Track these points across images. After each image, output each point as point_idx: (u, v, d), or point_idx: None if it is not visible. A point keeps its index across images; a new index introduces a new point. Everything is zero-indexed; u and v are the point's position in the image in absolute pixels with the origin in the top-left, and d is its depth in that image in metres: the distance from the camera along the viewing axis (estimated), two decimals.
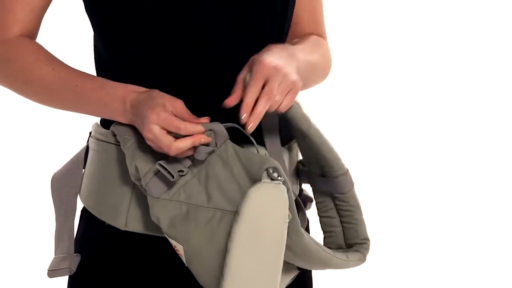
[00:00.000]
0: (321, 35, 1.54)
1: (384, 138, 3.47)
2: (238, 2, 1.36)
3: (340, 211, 1.43)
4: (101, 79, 1.37)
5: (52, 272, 1.41)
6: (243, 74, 1.30)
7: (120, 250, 1.39)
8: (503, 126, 3.53)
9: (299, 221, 1.29)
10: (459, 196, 3.45)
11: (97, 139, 1.41)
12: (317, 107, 3.17)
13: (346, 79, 3.27)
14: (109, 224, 1.39)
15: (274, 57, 1.29)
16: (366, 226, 1.44)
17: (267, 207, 1.23)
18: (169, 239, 1.30)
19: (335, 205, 1.43)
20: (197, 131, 1.26)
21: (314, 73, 1.48)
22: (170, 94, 1.30)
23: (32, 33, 1.42)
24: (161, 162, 1.28)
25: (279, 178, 1.25)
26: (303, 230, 1.29)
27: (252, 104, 1.25)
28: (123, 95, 1.32)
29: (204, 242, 1.27)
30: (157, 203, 1.29)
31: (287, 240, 1.26)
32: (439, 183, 3.47)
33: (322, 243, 1.43)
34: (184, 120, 1.27)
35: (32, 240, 3.06)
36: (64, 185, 1.44)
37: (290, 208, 1.25)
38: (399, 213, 3.39)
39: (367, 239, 1.43)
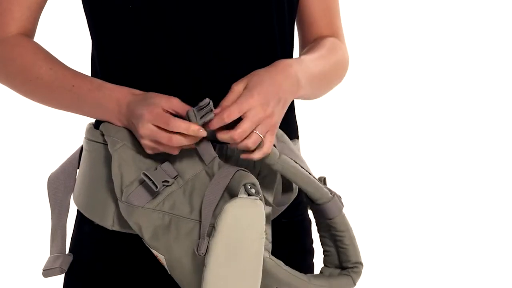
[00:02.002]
0: (336, 36, 1.51)
1: (384, 140, 3.46)
2: (229, 3, 1.34)
3: (333, 234, 1.41)
4: (98, 80, 1.37)
5: (46, 272, 1.43)
6: (237, 88, 1.28)
7: (108, 250, 1.40)
8: (503, 126, 3.52)
9: (267, 243, 1.30)
10: (460, 200, 3.44)
11: (88, 139, 1.42)
12: (318, 108, 3.19)
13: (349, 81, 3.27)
14: (98, 224, 1.39)
15: (263, 93, 1.26)
16: (359, 249, 1.42)
17: (243, 222, 1.24)
18: (151, 249, 1.31)
19: (328, 226, 1.41)
20: (186, 128, 1.25)
21: (318, 87, 1.45)
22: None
23: (30, 31, 1.42)
24: (145, 171, 1.29)
25: (257, 194, 1.25)
26: (266, 255, 1.30)
27: (223, 121, 1.24)
28: (118, 97, 1.33)
29: (185, 253, 1.28)
30: (141, 211, 1.30)
31: None
32: (440, 184, 3.46)
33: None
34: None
35: (31, 239, 3.09)
36: (59, 185, 1.45)
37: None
38: (398, 214, 3.38)
39: (358, 263, 1.41)
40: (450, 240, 3.36)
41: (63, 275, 1.45)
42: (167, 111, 1.27)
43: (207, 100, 1.25)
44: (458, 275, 3.25)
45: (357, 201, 3.13)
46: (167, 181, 1.29)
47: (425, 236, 3.36)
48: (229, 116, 1.24)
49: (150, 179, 1.28)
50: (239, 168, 1.28)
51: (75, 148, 1.48)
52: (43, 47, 1.42)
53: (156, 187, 1.28)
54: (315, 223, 1.45)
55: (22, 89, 1.42)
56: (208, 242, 1.24)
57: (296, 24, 1.52)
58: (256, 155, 1.27)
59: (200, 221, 1.27)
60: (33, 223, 3.08)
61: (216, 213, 1.25)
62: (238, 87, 1.27)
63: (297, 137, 1.49)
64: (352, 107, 3.46)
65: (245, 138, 1.25)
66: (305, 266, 1.49)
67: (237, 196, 1.24)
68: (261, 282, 1.31)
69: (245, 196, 1.25)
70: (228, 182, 1.26)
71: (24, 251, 3.15)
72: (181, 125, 1.25)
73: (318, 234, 1.45)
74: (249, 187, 1.25)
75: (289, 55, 1.45)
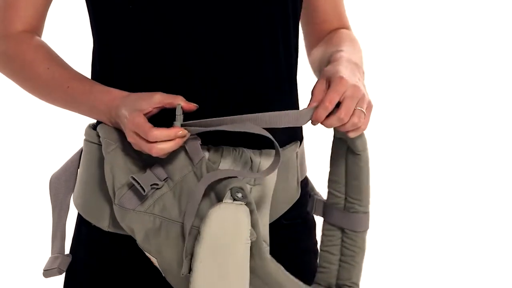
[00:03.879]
0: (347, 27, 1.53)
1: (390, 142, 3.45)
2: (230, 2, 1.33)
3: (344, 249, 1.42)
4: (91, 82, 1.37)
5: (46, 272, 1.43)
6: (321, 86, 1.28)
7: (104, 251, 1.40)
8: (503, 126, 3.51)
9: (265, 246, 1.29)
10: (461, 202, 3.43)
11: (87, 140, 1.41)
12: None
13: None
14: (95, 225, 1.39)
15: (350, 74, 1.29)
16: (362, 269, 1.43)
17: (226, 227, 1.23)
18: (144, 251, 1.31)
19: (342, 242, 1.42)
20: (166, 136, 1.25)
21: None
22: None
23: (35, 28, 1.42)
24: (134, 175, 1.29)
25: (243, 198, 1.24)
26: (268, 256, 1.29)
27: (327, 109, 1.25)
28: (107, 100, 1.33)
29: (175, 256, 1.28)
30: (132, 214, 1.30)
31: (250, 262, 1.26)
32: (444, 186, 3.45)
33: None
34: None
35: (33, 239, 3.09)
36: (60, 185, 1.45)
37: (255, 230, 1.25)
38: (403, 217, 3.37)
39: (356, 284, 1.42)
40: (450, 241, 3.35)
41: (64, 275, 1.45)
42: (150, 111, 1.27)
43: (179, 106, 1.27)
44: (457, 276, 3.24)
45: None
46: (156, 184, 1.29)
47: (430, 239, 3.35)
48: (331, 101, 1.25)
49: (138, 183, 1.28)
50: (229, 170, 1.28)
51: (77, 148, 1.48)
52: (48, 44, 1.41)
53: (144, 190, 1.28)
54: (322, 237, 1.44)
55: (24, 86, 1.43)
56: (194, 247, 1.24)
57: (305, 24, 1.52)
58: (353, 134, 1.29)
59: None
60: (35, 223, 3.09)
61: (199, 215, 1.25)
62: (319, 84, 1.29)
63: (301, 140, 1.47)
64: None
65: (351, 117, 1.26)
66: (308, 267, 1.47)
67: (222, 200, 1.24)
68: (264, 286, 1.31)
69: (230, 201, 1.24)
70: (209, 183, 1.26)
71: (26, 251, 3.15)
72: (159, 135, 1.25)
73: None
74: (235, 191, 1.25)
75: (294, 55, 1.43)
